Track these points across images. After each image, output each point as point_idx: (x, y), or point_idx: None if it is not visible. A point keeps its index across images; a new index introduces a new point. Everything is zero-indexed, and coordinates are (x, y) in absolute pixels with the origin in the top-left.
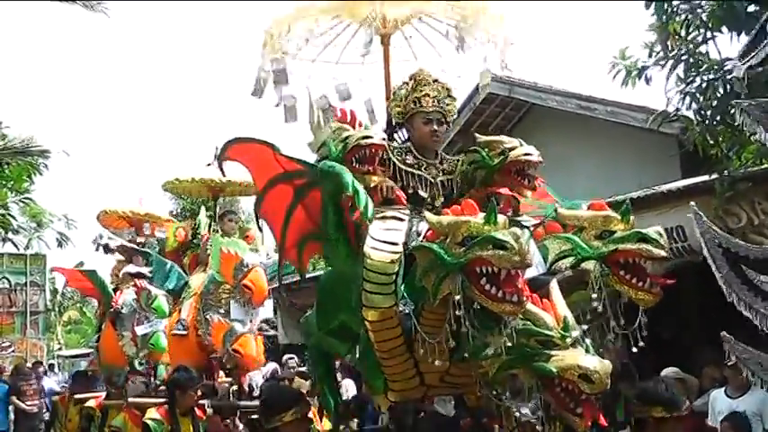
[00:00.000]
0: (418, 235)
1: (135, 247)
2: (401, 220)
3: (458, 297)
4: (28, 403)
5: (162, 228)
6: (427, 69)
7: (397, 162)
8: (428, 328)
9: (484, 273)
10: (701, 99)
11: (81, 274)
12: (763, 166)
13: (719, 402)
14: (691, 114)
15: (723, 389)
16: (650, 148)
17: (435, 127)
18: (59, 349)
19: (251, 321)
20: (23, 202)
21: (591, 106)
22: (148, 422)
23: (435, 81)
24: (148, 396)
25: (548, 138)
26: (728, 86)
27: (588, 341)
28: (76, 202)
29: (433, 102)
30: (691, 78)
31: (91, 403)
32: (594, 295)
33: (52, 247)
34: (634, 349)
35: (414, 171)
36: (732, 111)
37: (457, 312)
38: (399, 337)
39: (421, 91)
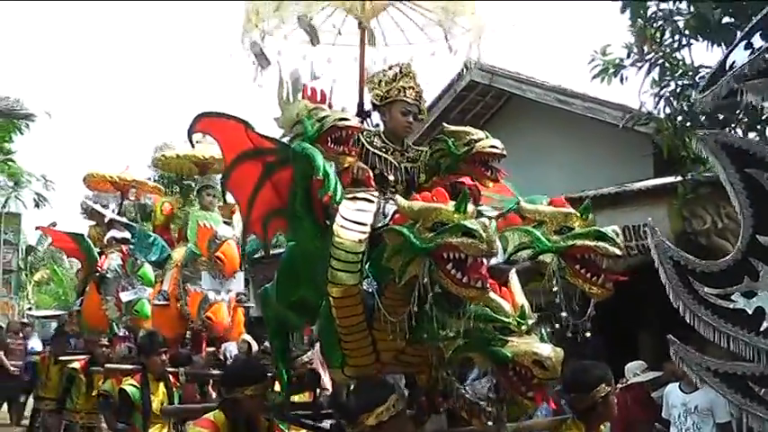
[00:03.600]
0: (384, 216)
1: (116, 217)
2: (371, 201)
3: (425, 280)
4: (12, 363)
5: (148, 194)
6: (405, 61)
7: (365, 144)
8: (390, 308)
9: (451, 258)
10: (674, 103)
11: (67, 236)
12: None
13: (673, 396)
14: (663, 117)
15: (677, 383)
16: (625, 145)
17: (411, 119)
18: (29, 309)
19: (226, 292)
20: (5, 162)
21: (569, 100)
22: (126, 388)
23: (416, 76)
24: (131, 361)
25: (525, 128)
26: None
27: (543, 330)
28: (56, 163)
29: (416, 96)
30: (665, 83)
31: (75, 365)
32: (553, 286)
33: (29, 206)
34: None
35: (380, 154)
36: (702, 117)
37: (423, 295)
38: (361, 314)
39: (407, 82)
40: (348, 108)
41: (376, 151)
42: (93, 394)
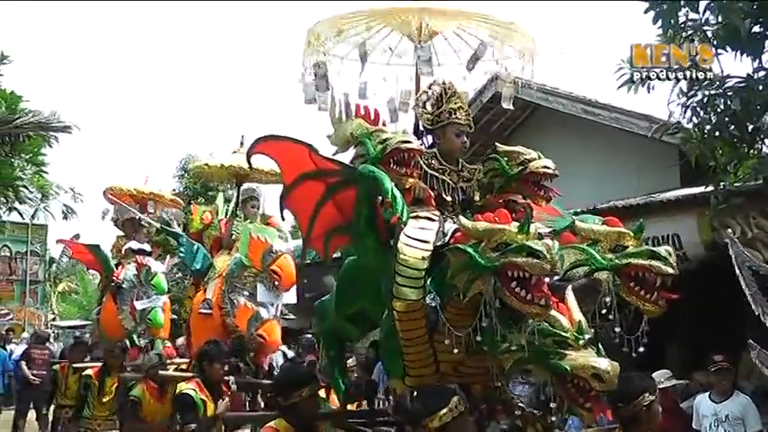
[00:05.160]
0: (444, 235)
1: (166, 227)
2: (433, 220)
3: (490, 297)
4: (34, 372)
5: (166, 207)
6: (450, 80)
7: (424, 166)
8: (453, 322)
9: (515, 277)
10: (702, 113)
11: (84, 247)
12: (758, 182)
13: (703, 407)
14: (690, 127)
15: (707, 393)
16: (651, 155)
17: (465, 139)
18: (53, 320)
19: (274, 306)
20: (38, 174)
21: (595, 111)
22: (189, 392)
23: (462, 94)
24: (161, 368)
25: (551, 139)
26: (728, 102)
27: (600, 344)
28: (84, 175)
29: (465, 116)
30: (693, 93)
31: (89, 372)
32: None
33: (57, 218)
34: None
35: (438, 176)
36: (730, 127)
37: (486, 310)
38: (423, 327)
39: (456, 103)
40: (406, 129)
41: (434, 173)
42: (105, 400)
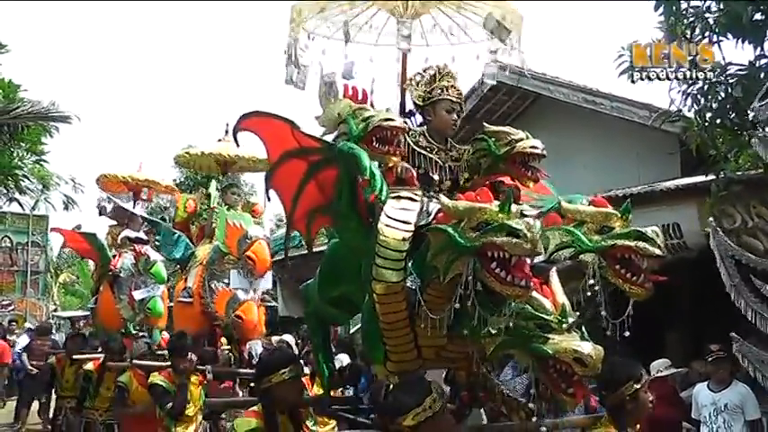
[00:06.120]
0: (428, 215)
1: (145, 215)
2: (414, 200)
3: (469, 278)
4: (33, 363)
5: (160, 194)
6: (443, 62)
7: (411, 143)
8: (431, 305)
9: (495, 257)
10: (702, 101)
11: (80, 235)
12: (759, 171)
13: (702, 396)
14: (691, 115)
15: (706, 383)
16: (651, 144)
17: (455, 116)
18: (55, 310)
19: (253, 290)
20: (38, 163)
21: (596, 100)
22: (160, 382)
23: (455, 76)
24: (151, 357)
25: (552, 128)
26: (729, 90)
27: (584, 328)
28: (85, 165)
29: (457, 94)
30: (693, 80)
31: (89, 365)
32: (592, 282)
33: (58, 209)
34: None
35: (426, 154)
36: (731, 114)
37: (466, 292)
38: (403, 311)
39: (448, 81)
40: (392, 108)
41: (421, 151)
42: (107, 395)
